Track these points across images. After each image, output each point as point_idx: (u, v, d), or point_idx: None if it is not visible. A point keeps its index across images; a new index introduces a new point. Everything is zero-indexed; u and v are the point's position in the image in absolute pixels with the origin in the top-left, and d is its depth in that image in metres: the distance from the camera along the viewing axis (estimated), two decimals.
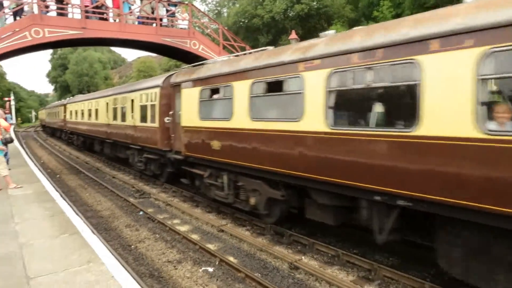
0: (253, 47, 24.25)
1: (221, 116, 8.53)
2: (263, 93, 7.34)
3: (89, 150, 24.66)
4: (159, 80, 12.54)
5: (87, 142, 24.47)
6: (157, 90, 12.28)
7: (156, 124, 12.21)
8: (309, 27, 30.70)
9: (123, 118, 15.72)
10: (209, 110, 9.16)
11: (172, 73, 12.21)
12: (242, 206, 8.56)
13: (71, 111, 27.75)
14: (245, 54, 9.25)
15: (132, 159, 15.41)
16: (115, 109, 16.95)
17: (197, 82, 9.65)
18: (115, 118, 16.90)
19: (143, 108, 13.46)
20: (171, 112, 11.32)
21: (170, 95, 11.56)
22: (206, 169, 9.58)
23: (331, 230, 7.95)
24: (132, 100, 14.62)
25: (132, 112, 14.54)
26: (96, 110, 20.36)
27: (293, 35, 19.21)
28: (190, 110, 9.82)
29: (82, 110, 23.67)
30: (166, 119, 11.61)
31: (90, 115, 21.70)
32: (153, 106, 12.59)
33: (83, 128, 23.78)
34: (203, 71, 9.57)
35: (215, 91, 8.95)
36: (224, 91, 8.48)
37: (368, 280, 5.89)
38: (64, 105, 30.91)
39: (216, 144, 8.69)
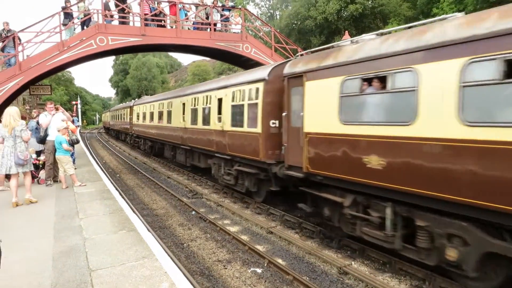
0: (305, 48, 24.15)
1: (390, 119, 5.76)
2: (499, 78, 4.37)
3: (157, 156, 22.96)
4: (263, 72, 9.83)
5: (155, 147, 22.51)
6: (260, 85, 9.57)
7: (258, 129, 9.55)
8: (363, 27, 29.98)
9: (206, 121, 13.32)
10: (360, 110, 6.35)
11: (282, 62, 9.79)
12: (421, 258, 5.73)
13: (138, 114, 26.07)
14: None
15: (215, 171, 12.83)
16: (194, 111, 14.58)
17: (336, 69, 6.80)
18: (194, 121, 14.57)
19: (237, 109, 10.84)
20: (284, 114, 8.57)
21: (279, 91, 9.00)
22: (345, 194, 6.86)
23: None
24: (220, 100, 12.06)
25: (220, 113, 12.02)
26: (169, 112, 18.19)
27: (346, 35, 18.83)
28: (321, 110, 7.14)
29: (152, 112, 21.77)
30: (272, 123, 9.37)
31: (161, 117, 19.76)
32: (252, 105, 9.91)
33: (152, 132, 21.85)
34: (349, 53, 6.68)
35: (370, 81, 6.19)
36: (396, 80, 5.62)
37: None
38: (131, 107, 29.50)
39: (374, 161, 5.96)
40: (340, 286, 5.96)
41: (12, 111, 8.55)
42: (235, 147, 10.92)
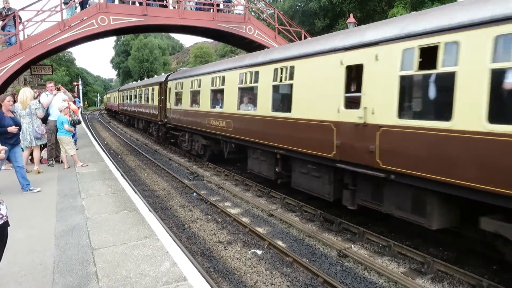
0: (309, 31, 23.82)
1: None
2: None
3: (215, 161, 14.24)
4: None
5: (213, 148, 13.86)
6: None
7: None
8: (368, 10, 29.49)
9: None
10: None
11: None
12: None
13: (178, 93, 16.30)
14: None
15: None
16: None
17: None
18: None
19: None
20: None
21: None
22: None
23: (383, 219, 7.76)
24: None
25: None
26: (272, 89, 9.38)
27: (351, 18, 18.55)
28: None
29: (215, 92, 12.66)
30: None
31: (242, 100, 10.85)
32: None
33: (211, 124, 12.59)
34: None
35: None
36: None
37: (420, 273, 5.70)
38: (162, 83, 19.02)
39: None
40: (340, 268, 6.02)
41: (26, 90, 10.26)
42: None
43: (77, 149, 12.74)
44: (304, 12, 33.39)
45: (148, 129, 24.84)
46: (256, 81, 9.77)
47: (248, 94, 10.82)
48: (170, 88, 17.56)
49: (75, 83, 59.15)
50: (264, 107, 9.28)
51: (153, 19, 16.67)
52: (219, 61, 14.94)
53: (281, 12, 22.66)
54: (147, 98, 22.77)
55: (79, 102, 41.70)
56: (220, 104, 12.19)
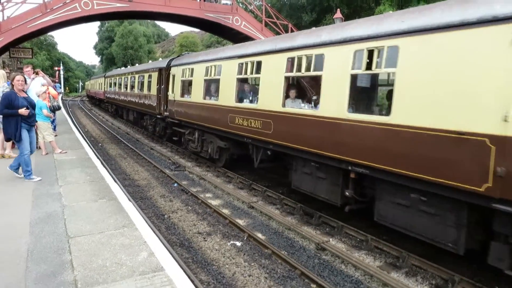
0: (296, 25, 23.80)
1: None
2: None
3: (231, 168, 11.78)
4: None
5: (233, 151, 11.31)
6: None
7: None
8: (355, 6, 29.64)
9: None
10: None
11: None
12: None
13: (187, 83, 13.25)
14: None
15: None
16: None
17: None
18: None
19: None
20: None
21: None
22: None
23: (362, 215, 7.87)
24: None
25: None
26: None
27: (338, 14, 18.63)
28: None
29: (245, 81, 10.34)
30: None
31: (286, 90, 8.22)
32: None
33: (237, 123, 9.70)
34: None
35: None
36: None
37: (396, 267, 5.82)
38: (162, 70, 15.87)
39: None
40: (317, 261, 6.09)
41: None
42: None
43: (56, 135, 12.48)
44: (291, 5, 33.34)
45: (140, 122, 21.75)
46: (319, 67, 6.98)
47: (299, 86, 8.76)
48: (174, 76, 14.35)
49: (56, 68, 57.78)
50: (333, 105, 6.58)
51: (138, 6, 16.38)
52: (249, 42, 11.30)
53: (269, 5, 22.57)
54: (142, 86, 19.46)
55: (60, 87, 40.69)
56: (251, 98, 9.59)
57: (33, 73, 10.86)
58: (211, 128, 11.19)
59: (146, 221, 6.08)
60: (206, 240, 6.84)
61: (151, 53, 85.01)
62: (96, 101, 44.91)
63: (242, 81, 10.07)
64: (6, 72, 11.21)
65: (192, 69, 12.63)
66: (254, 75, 9.14)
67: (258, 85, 9.04)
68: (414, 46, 5.28)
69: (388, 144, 5.60)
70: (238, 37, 18.86)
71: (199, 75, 12.10)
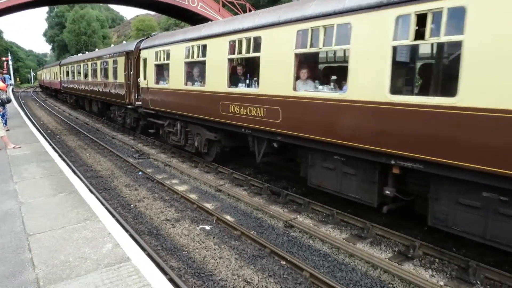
0: (254, 5, 23.51)
1: None
2: None
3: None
4: None
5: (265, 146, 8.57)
6: None
7: None
8: None
9: None
10: None
11: None
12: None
13: (162, 67, 11.69)
14: None
15: None
16: None
17: None
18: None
19: None
20: None
21: None
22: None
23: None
24: None
25: None
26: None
27: None
28: None
29: (241, 62, 9.30)
30: None
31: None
32: None
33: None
34: None
35: None
36: None
37: (361, 238, 6.02)
38: (132, 53, 14.09)
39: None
40: (286, 238, 6.19)
41: None
42: None
43: (7, 130, 11.82)
44: None
45: (107, 114, 19.83)
46: (343, 40, 5.78)
47: (313, 65, 7.74)
48: (145, 60, 12.59)
49: (4, 58, 54.34)
50: (368, 86, 5.45)
51: None
52: (242, 15, 9.82)
53: None
54: (106, 73, 17.53)
55: (10, 79, 38.38)
56: (248, 82, 8.20)
57: None
58: (197, 118, 9.77)
59: (110, 212, 5.95)
60: (174, 227, 6.78)
61: (106, 38, 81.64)
62: (52, 92, 41.55)
63: (235, 63, 8.81)
64: None
65: (168, 51, 10.94)
66: (252, 54, 7.71)
67: (257, 66, 7.59)
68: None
69: (453, 133, 4.52)
70: (195, 18, 18.43)
71: (177, 57, 10.39)
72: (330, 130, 6.04)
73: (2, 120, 10.38)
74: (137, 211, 7.65)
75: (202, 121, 9.68)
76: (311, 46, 6.35)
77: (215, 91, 8.77)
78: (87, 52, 27.39)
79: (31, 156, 9.07)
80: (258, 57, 7.46)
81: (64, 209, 5.51)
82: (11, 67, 52.22)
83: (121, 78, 15.17)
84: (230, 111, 8.30)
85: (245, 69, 8.72)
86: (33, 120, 19.36)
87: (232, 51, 8.18)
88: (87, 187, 7.26)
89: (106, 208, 6.07)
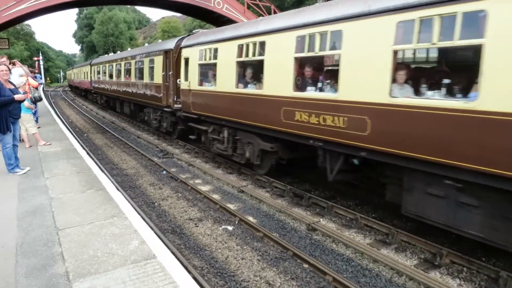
0: (278, 7, 23.52)
1: None
2: None
3: None
4: None
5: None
6: None
7: None
8: None
9: None
10: None
11: None
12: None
13: (208, 67, 10.69)
14: None
15: None
16: None
17: None
18: None
19: None
20: None
21: None
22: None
23: (350, 194, 7.97)
24: None
25: None
26: None
27: None
28: None
29: (312, 60, 7.57)
30: None
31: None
32: None
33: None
34: None
35: None
36: None
37: (385, 244, 5.92)
38: (171, 52, 13.29)
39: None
40: (309, 241, 6.16)
41: None
42: None
43: (39, 127, 12.23)
44: None
45: (140, 116, 18.91)
46: (476, 32, 4.45)
47: (419, 65, 6.85)
48: (187, 59, 11.61)
49: (35, 58, 56.21)
50: None
51: None
52: (313, 6, 8.14)
53: None
54: (141, 73, 16.71)
55: (41, 78, 39.55)
56: (321, 85, 6.94)
57: (10, 63, 10.53)
58: (250, 125, 8.62)
59: (136, 210, 6.05)
60: (197, 226, 6.85)
61: (133, 39, 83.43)
62: (82, 92, 40.73)
63: (304, 62, 7.36)
64: None
65: (216, 49, 9.85)
66: (329, 52, 6.61)
67: (336, 66, 6.58)
68: None
69: None
70: (220, 20, 18.57)
71: (227, 56, 9.31)
72: (443, 149, 4.80)
73: (33, 117, 10.73)
74: (161, 209, 7.77)
75: (256, 129, 8.49)
76: (419, 41, 5.04)
77: (276, 95, 7.61)
78: (118, 52, 26.19)
79: (61, 153, 9.35)
80: (339, 56, 6.21)
81: (93, 205, 5.66)
82: (42, 67, 53.91)
83: (158, 79, 14.39)
84: (296, 119, 7.09)
85: (317, 70, 7.52)
86: (62, 118, 19.95)
87: (300, 49, 6.92)
88: (114, 184, 7.41)
89: (132, 206, 6.18)
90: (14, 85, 9.09)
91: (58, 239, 4.51)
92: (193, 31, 12.92)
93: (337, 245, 6.00)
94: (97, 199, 5.94)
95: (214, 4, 17.74)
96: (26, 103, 9.64)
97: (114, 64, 22.01)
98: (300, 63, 7.19)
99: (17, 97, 7.22)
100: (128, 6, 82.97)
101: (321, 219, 6.94)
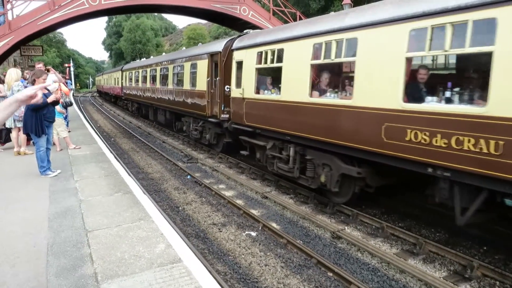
0: (304, 13, 23.51)
1: None
2: None
3: None
4: None
5: None
6: None
7: None
8: None
9: None
10: None
11: None
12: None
13: (267, 72, 9.60)
14: None
15: None
16: None
17: None
18: None
19: None
20: None
21: None
22: None
23: (376, 202, 7.83)
24: None
25: None
26: None
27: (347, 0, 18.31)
28: None
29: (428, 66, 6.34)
30: None
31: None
32: None
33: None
34: None
35: None
36: None
37: (413, 254, 5.77)
38: (219, 55, 11.77)
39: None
40: (333, 249, 6.08)
41: (12, 71, 9.91)
42: None
43: (69, 131, 12.61)
44: None
45: (176, 125, 17.44)
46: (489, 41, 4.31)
47: None
48: (240, 63, 10.11)
49: (66, 65, 58.23)
50: None
51: None
52: None
53: None
54: (180, 79, 15.32)
55: (71, 84, 40.82)
56: (451, 96, 5.22)
57: (44, 70, 10.94)
58: (327, 143, 7.05)
59: (162, 214, 6.13)
60: (221, 231, 6.87)
61: (159, 46, 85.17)
62: (111, 98, 39.56)
63: (418, 65, 6.04)
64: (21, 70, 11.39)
65: (281, 51, 8.30)
66: (470, 50, 4.63)
67: (479, 69, 5.24)
68: None
69: None
70: (245, 27, 18.69)
71: (298, 58, 7.72)
72: None
73: (64, 122, 11.09)
74: (185, 214, 7.85)
75: (336, 148, 6.89)
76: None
77: (374, 108, 5.91)
78: (152, 57, 25.30)
79: (90, 157, 9.61)
80: (490, 55, 4.39)
81: (120, 208, 5.78)
82: (72, 73, 55.74)
83: (201, 85, 12.86)
84: (407, 139, 5.38)
85: (440, 75, 6.16)
86: (91, 122, 20.52)
87: (413, 47, 5.34)
88: (140, 188, 7.55)
89: (158, 209, 6.27)
90: (48, 90, 9.43)
91: (87, 241, 4.62)
92: (244, 32, 11.50)
93: (362, 254, 5.89)
94: (124, 202, 6.06)
95: (240, 11, 17.92)
96: (58, 108, 9.98)
97: (148, 70, 20.86)
98: (411, 66, 5.66)
99: (49, 99, 7.51)
100: (156, 14, 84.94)
101: (346, 227, 6.84)
